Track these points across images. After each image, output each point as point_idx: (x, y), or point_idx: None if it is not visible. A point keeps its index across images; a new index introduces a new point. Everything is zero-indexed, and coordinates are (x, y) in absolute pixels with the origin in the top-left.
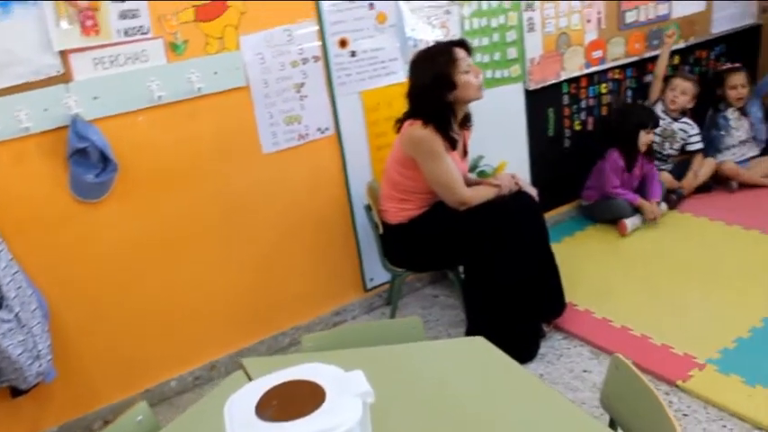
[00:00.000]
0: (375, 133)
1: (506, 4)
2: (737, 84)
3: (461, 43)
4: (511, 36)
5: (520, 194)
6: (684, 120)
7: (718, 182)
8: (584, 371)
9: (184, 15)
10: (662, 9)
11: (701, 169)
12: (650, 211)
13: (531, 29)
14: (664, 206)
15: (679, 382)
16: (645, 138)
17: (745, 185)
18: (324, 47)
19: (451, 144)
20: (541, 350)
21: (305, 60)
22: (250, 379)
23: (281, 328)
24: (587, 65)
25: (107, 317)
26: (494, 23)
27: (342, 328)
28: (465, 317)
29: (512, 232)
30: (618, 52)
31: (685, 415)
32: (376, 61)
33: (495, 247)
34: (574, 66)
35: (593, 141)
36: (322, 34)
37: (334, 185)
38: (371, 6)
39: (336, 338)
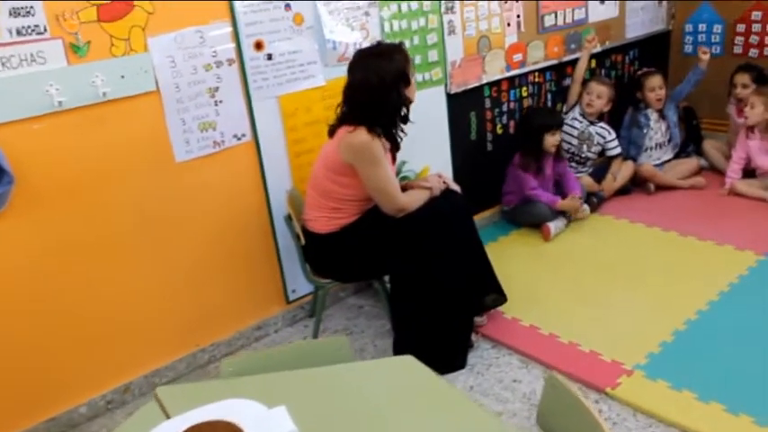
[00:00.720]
0: (294, 139)
1: (426, 6)
2: (655, 86)
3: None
4: (432, 39)
5: (449, 194)
6: (601, 124)
7: (637, 184)
8: (514, 381)
9: (85, 15)
10: (579, 13)
11: (620, 172)
12: (573, 207)
13: (452, 32)
14: (586, 208)
15: (608, 390)
16: (551, 139)
17: (661, 187)
18: (239, 49)
19: (395, 146)
20: (470, 360)
21: (219, 63)
22: (164, 411)
23: (200, 345)
24: (508, 68)
25: (7, 337)
26: (414, 26)
27: (264, 352)
28: (391, 327)
29: (445, 234)
30: (538, 56)
31: (615, 423)
32: (294, 64)
33: (427, 253)
34: (495, 69)
35: (517, 148)
36: (236, 36)
37: (252, 194)
38: (288, 7)
39: (258, 362)
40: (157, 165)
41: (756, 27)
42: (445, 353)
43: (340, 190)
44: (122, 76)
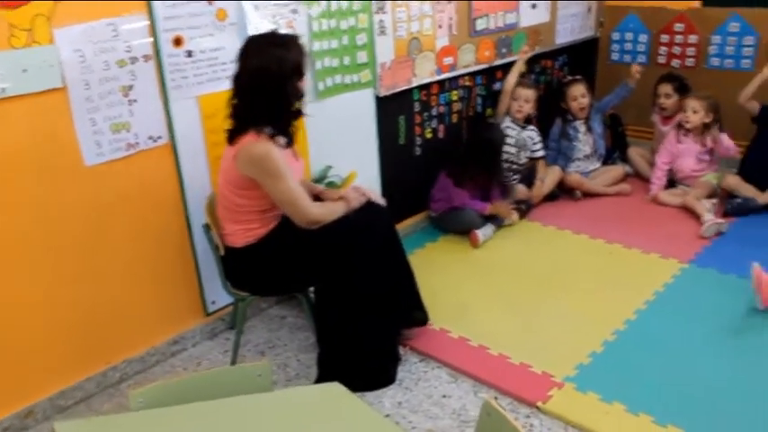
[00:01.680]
0: (213, 142)
1: (356, 6)
2: (577, 95)
3: None
4: (361, 39)
5: (370, 206)
6: (531, 127)
7: (564, 190)
8: (444, 396)
9: None
10: (511, 18)
11: (548, 177)
12: (503, 210)
13: (383, 32)
14: (515, 216)
15: (539, 404)
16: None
17: (588, 194)
18: (156, 45)
19: (290, 141)
20: (399, 375)
21: (133, 60)
22: None
23: (111, 362)
24: (438, 71)
25: None
26: (343, 25)
27: (177, 380)
28: (316, 341)
29: (366, 248)
30: (468, 59)
31: None
32: (215, 63)
33: (349, 266)
34: (425, 72)
35: (446, 153)
36: (153, 30)
37: (168, 200)
38: (210, 2)
39: (171, 392)
40: (63, 169)
41: (679, 38)
42: (372, 368)
43: (248, 203)
44: (24, 71)
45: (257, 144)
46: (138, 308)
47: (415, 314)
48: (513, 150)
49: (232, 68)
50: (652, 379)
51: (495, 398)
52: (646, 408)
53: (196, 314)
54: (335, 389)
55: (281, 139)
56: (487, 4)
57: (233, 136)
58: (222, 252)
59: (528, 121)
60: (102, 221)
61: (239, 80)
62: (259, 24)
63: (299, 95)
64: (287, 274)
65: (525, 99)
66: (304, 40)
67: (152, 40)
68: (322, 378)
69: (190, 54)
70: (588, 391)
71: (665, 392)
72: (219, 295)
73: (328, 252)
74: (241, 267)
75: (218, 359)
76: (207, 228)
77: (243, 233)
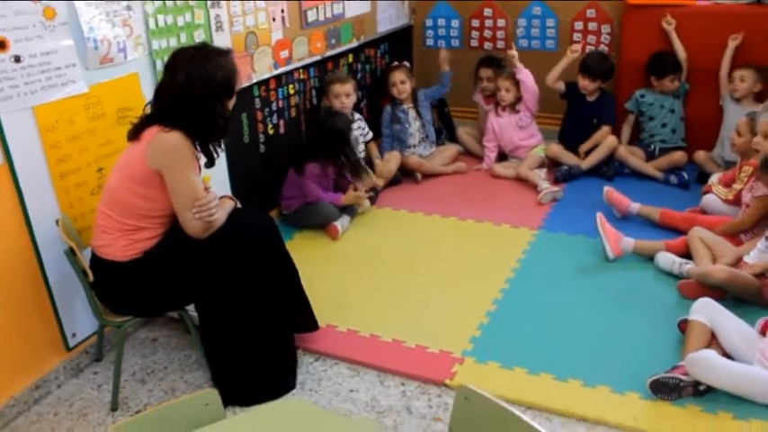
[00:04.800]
0: (57, 158)
1: (192, 0)
2: (397, 81)
3: None
4: (199, 36)
5: (256, 214)
6: (357, 116)
7: (405, 173)
8: (351, 391)
9: None
10: (337, 8)
11: (389, 162)
12: (358, 199)
13: (220, 27)
14: (367, 203)
15: (447, 382)
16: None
17: (427, 175)
18: None
19: (210, 161)
20: (298, 378)
21: None
22: None
23: None
24: (276, 65)
25: None
26: (180, 21)
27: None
28: (205, 359)
29: (258, 256)
30: (302, 52)
31: None
32: (49, 68)
33: (242, 275)
34: (263, 67)
35: (290, 148)
36: None
37: (10, 230)
38: (35, 0)
39: None
40: None
41: (489, 23)
42: (271, 377)
43: (145, 204)
44: None
45: (171, 134)
46: None
47: (305, 322)
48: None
49: (68, 74)
50: (540, 339)
51: (402, 383)
52: (545, 367)
53: (56, 351)
54: (296, 402)
55: (202, 159)
56: None
57: (136, 132)
58: (92, 277)
59: (354, 111)
60: None
61: (162, 94)
62: (93, 23)
63: (225, 115)
64: (172, 291)
65: (346, 93)
66: (142, 40)
67: None
68: (222, 395)
69: (18, 59)
70: (488, 361)
71: (555, 350)
72: (80, 326)
73: (220, 263)
74: (119, 287)
75: (93, 396)
76: (71, 253)
77: (125, 245)
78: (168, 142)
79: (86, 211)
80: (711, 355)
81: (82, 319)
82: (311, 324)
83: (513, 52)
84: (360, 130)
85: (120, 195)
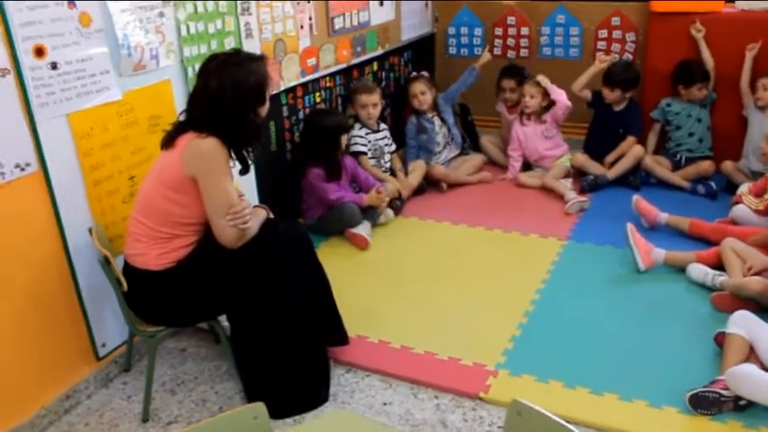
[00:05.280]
0: (90, 166)
1: (223, 7)
2: (417, 92)
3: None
4: (229, 43)
5: (290, 225)
6: (383, 126)
7: (430, 183)
8: (384, 404)
9: None
10: (363, 16)
11: (415, 172)
12: (379, 200)
13: (249, 35)
14: (390, 213)
15: (482, 395)
16: (344, 140)
17: (452, 185)
18: (14, 56)
19: (245, 167)
20: (331, 390)
21: None
22: None
23: None
24: (303, 73)
25: None
26: (211, 29)
27: None
28: (236, 370)
29: (292, 267)
30: (329, 59)
31: (500, 427)
32: (84, 75)
33: (275, 287)
34: (291, 74)
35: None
36: (9, 39)
37: (44, 238)
38: (72, 5)
39: None
40: None
41: (512, 31)
42: (304, 389)
43: (179, 211)
44: None
45: (206, 140)
46: (19, 365)
47: (336, 334)
48: (372, 162)
49: (102, 81)
50: (574, 352)
51: (436, 396)
52: (580, 380)
53: (86, 361)
54: (340, 414)
55: (236, 166)
56: (342, 3)
57: (170, 139)
58: (125, 287)
59: (380, 121)
60: None
61: (195, 101)
62: (127, 30)
63: (258, 122)
64: (205, 301)
65: (373, 104)
66: (174, 47)
67: (7, 49)
68: None
69: (55, 66)
70: (523, 374)
71: (590, 362)
72: (110, 336)
73: (253, 272)
74: (152, 297)
75: (123, 407)
76: (106, 262)
77: (159, 253)
78: (204, 148)
79: (118, 219)
80: (752, 369)
81: (111, 329)
82: (342, 338)
83: (546, 83)
84: (386, 140)
85: (154, 202)
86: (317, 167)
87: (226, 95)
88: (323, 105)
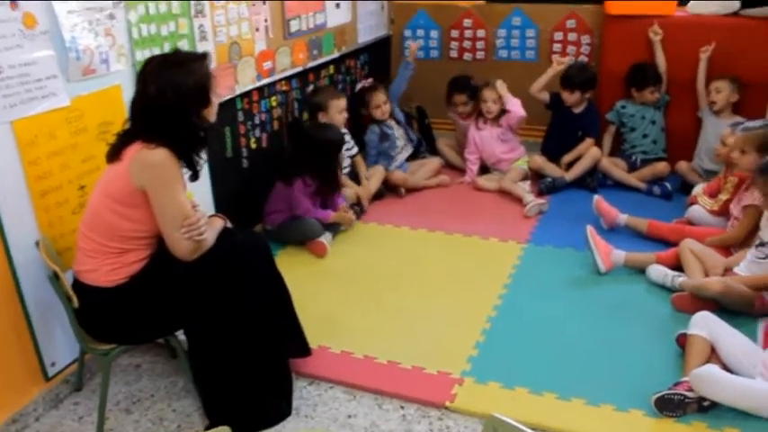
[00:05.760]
0: (36, 176)
1: (176, 9)
2: (380, 102)
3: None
4: (183, 46)
5: (248, 235)
6: (343, 130)
7: (388, 188)
8: (349, 416)
9: None
10: (320, 19)
11: (373, 177)
12: (347, 219)
13: (203, 37)
14: (353, 217)
15: (447, 404)
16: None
17: (410, 189)
18: None
19: (194, 174)
20: (293, 404)
21: None
22: None
23: None
24: (259, 77)
25: None
26: (164, 31)
27: None
28: (194, 386)
29: (250, 279)
30: (285, 63)
31: None
32: (29, 80)
33: (234, 300)
34: (247, 79)
35: (275, 161)
36: None
37: None
38: (14, 5)
39: None
40: None
41: (468, 33)
42: (266, 403)
43: (130, 225)
44: None
45: (155, 151)
46: None
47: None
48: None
49: (49, 86)
50: (539, 357)
51: (401, 407)
52: (546, 386)
53: (34, 381)
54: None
55: (186, 172)
56: (299, 5)
57: (116, 152)
58: (76, 303)
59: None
60: None
61: (136, 107)
62: (75, 32)
63: (203, 125)
64: (165, 315)
65: (339, 110)
66: (125, 50)
67: None
68: (214, 424)
69: None
70: (488, 381)
71: (555, 367)
72: (59, 355)
73: (212, 286)
74: (104, 313)
75: (75, 429)
76: (55, 277)
77: (110, 269)
78: (153, 159)
79: (67, 231)
80: (716, 370)
81: (61, 347)
82: (303, 349)
83: (502, 90)
84: (348, 143)
85: (102, 216)
86: (307, 180)
87: (166, 100)
88: (279, 110)
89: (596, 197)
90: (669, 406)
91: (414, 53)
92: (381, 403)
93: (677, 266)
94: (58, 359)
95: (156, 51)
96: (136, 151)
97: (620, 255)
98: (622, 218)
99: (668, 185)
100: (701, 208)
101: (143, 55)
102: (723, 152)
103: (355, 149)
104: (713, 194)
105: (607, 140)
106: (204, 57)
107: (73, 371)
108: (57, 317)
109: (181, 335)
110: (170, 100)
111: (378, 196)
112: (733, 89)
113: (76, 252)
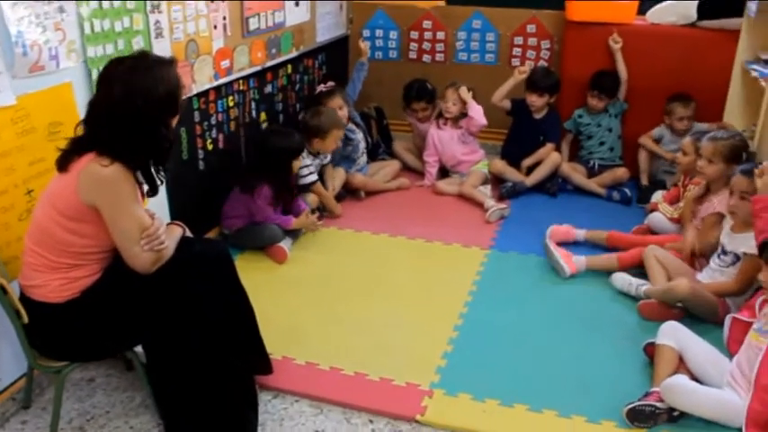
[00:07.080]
0: None
1: (130, 4)
2: (337, 107)
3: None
4: (138, 43)
5: (209, 244)
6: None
7: (348, 191)
8: (317, 431)
9: None
10: (278, 17)
11: (334, 180)
12: (309, 224)
13: (160, 34)
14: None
15: (418, 417)
16: (296, 164)
17: (369, 193)
18: None
19: (153, 189)
20: (259, 419)
21: None
22: None
23: None
24: (216, 76)
25: None
26: (118, 27)
27: None
28: (153, 401)
29: (212, 291)
30: (243, 62)
31: None
32: None
33: (194, 313)
34: (204, 77)
35: (232, 163)
36: None
37: None
38: None
39: None
40: None
41: (428, 35)
42: (229, 419)
43: (81, 241)
44: None
45: (108, 168)
46: None
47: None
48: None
49: None
50: (508, 367)
51: (371, 420)
52: (517, 398)
53: None
54: None
55: (144, 186)
56: (258, 3)
57: (66, 161)
58: (26, 319)
59: None
60: None
61: (95, 111)
62: (21, 26)
63: (169, 136)
64: (122, 331)
65: (335, 140)
66: (76, 46)
67: None
68: None
69: None
70: (458, 393)
71: (524, 378)
72: (5, 371)
73: (171, 298)
74: (55, 330)
75: None
76: (2, 291)
77: (60, 284)
78: (104, 175)
79: (13, 239)
80: (685, 381)
81: (7, 362)
82: (265, 367)
83: (467, 97)
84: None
85: (50, 231)
86: (268, 187)
87: (133, 106)
88: (236, 111)
89: (548, 230)
90: (641, 417)
91: (365, 53)
92: (350, 417)
93: (640, 265)
94: (3, 375)
95: (110, 48)
96: (85, 164)
97: (581, 260)
98: (581, 234)
99: (627, 191)
100: (661, 215)
101: (95, 52)
102: (684, 161)
103: (328, 158)
104: (673, 202)
105: (565, 148)
106: (173, 62)
107: (20, 387)
108: (2, 330)
109: (138, 347)
110: (138, 107)
111: (337, 199)
112: (691, 116)
113: (22, 266)
